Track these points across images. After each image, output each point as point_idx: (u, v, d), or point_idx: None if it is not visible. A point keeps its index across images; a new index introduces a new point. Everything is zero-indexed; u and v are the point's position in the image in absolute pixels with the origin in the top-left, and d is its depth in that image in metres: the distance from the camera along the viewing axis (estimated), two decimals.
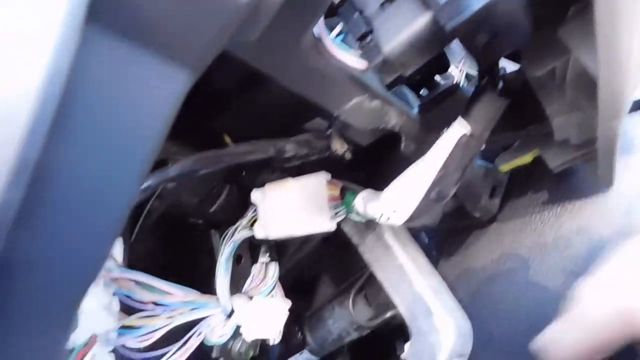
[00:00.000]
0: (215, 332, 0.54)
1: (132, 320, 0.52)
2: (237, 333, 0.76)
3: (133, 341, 0.51)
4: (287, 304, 0.61)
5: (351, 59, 0.35)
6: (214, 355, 0.78)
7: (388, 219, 0.45)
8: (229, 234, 0.60)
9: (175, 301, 0.52)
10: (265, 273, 0.62)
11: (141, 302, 0.52)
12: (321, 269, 0.91)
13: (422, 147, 0.45)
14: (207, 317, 0.55)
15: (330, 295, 0.92)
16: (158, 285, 0.52)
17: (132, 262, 0.58)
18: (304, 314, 0.91)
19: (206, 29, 0.21)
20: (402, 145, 0.46)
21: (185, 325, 0.54)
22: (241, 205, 0.65)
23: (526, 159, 0.56)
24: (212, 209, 0.70)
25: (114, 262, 0.53)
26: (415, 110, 0.48)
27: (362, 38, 0.35)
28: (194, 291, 0.54)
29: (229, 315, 0.56)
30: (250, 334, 0.57)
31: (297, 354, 0.90)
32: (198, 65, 0.23)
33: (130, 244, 0.60)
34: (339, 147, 0.46)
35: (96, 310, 0.52)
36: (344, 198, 0.56)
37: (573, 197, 0.58)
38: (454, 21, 0.30)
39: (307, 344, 0.89)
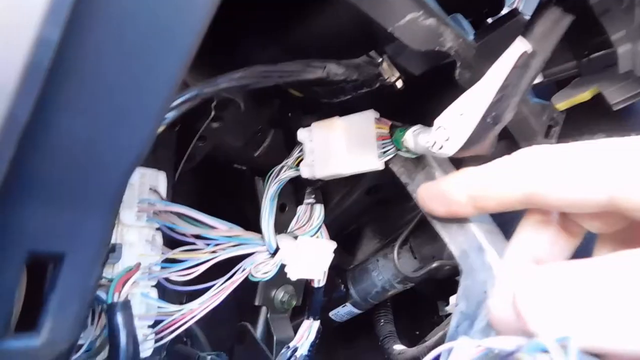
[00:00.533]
0: (260, 269, 0.54)
1: (175, 253, 0.52)
2: (280, 281, 0.77)
3: (176, 274, 0.51)
4: (333, 244, 0.60)
5: None
6: (256, 302, 0.78)
7: (441, 147, 0.43)
8: (274, 173, 0.59)
9: (219, 235, 0.52)
10: (311, 214, 0.61)
11: (184, 235, 0.52)
12: (365, 223, 0.89)
13: (477, 75, 0.43)
14: (251, 254, 0.55)
15: (374, 249, 0.91)
16: (202, 218, 0.52)
17: (176, 201, 0.58)
18: (347, 267, 0.91)
19: None
20: (457, 72, 0.44)
21: (230, 262, 0.54)
22: (286, 150, 0.64)
23: (585, 96, 0.52)
24: (257, 154, 0.69)
25: (158, 195, 0.54)
26: (472, 36, 0.45)
27: None
28: (239, 227, 0.54)
29: (274, 254, 0.55)
30: (294, 273, 0.56)
31: (340, 307, 0.90)
32: None
33: (174, 185, 0.60)
34: (390, 74, 0.44)
35: (139, 243, 0.53)
36: (392, 136, 0.54)
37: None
38: None
39: (349, 297, 0.89)
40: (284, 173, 0.60)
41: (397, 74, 0.45)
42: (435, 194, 0.44)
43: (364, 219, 0.89)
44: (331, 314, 0.91)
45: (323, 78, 0.41)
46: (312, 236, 0.59)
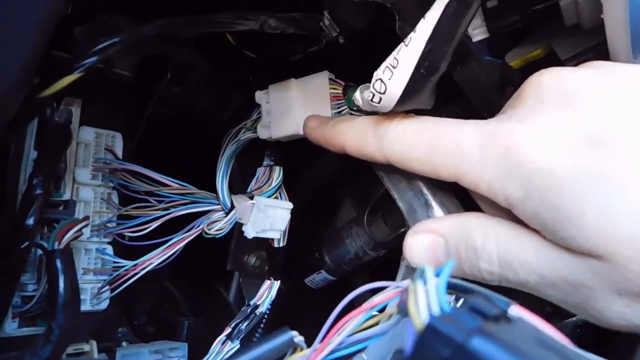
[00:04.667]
0: (213, 226, 0.55)
1: (128, 210, 0.53)
2: (253, 246, 0.78)
3: (129, 230, 0.52)
4: (289, 205, 0.60)
5: None
6: (228, 267, 0.79)
7: (380, 100, 0.43)
8: (232, 134, 0.60)
9: (171, 192, 0.53)
10: (270, 176, 0.61)
11: (139, 193, 0.53)
12: (339, 190, 0.90)
13: None
14: (207, 212, 0.55)
15: (349, 216, 0.92)
16: (154, 176, 0.53)
17: (140, 160, 0.59)
18: (321, 234, 0.91)
19: None
20: (397, 25, 0.44)
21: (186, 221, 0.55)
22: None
23: (537, 53, 0.52)
24: (226, 118, 0.70)
25: (112, 155, 0.54)
26: None
27: None
28: (192, 186, 0.55)
29: (228, 212, 0.56)
30: (250, 232, 0.57)
31: (315, 274, 0.91)
32: None
33: (136, 147, 0.61)
34: (331, 29, 0.44)
35: (94, 201, 0.54)
36: (345, 95, 0.54)
37: None
38: None
39: (324, 264, 0.89)
40: (243, 135, 0.60)
41: (338, 30, 0.45)
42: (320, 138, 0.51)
43: (339, 186, 0.90)
44: (307, 280, 0.91)
45: (257, 30, 0.41)
46: (271, 196, 0.60)
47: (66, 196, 0.52)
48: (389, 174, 0.53)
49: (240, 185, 0.62)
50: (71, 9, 0.37)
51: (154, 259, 0.51)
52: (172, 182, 0.53)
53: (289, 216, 0.60)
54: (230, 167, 0.58)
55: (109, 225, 0.53)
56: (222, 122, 0.69)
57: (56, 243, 0.41)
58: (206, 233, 0.54)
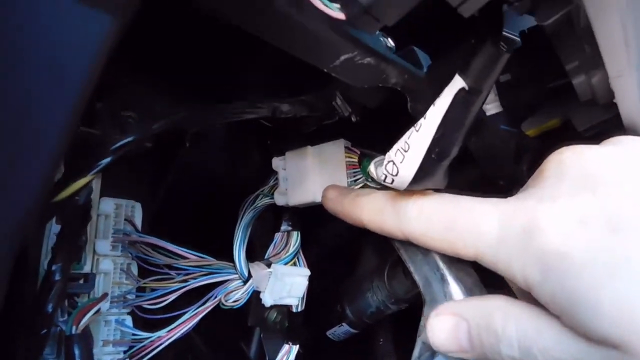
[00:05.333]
0: (230, 297, 0.55)
1: (147, 282, 0.53)
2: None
3: (148, 303, 0.53)
4: (306, 272, 0.60)
5: (330, 10, 0.34)
6: (249, 323, 0.79)
7: (392, 182, 0.43)
8: (249, 201, 0.61)
9: (189, 265, 0.53)
10: (287, 241, 0.61)
11: (157, 266, 0.54)
12: (360, 240, 0.89)
13: (429, 107, 0.43)
14: (223, 282, 0.56)
15: (371, 268, 0.91)
16: (172, 249, 0.53)
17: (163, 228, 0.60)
18: (343, 286, 0.91)
19: None
20: (409, 105, 0.44)
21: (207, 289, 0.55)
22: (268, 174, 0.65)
23: (554, 122, 0.52)
24: (245, 177, 0.70)
25: (132, 226, 0.55)
26: (424, 70, 0.45)
27: None
28: (210, 257, 0.55)
29: (245, 282, 0.56)
30: (268, 300, 0.57)
31: (336, 327, 0.90)
32: (121, 11, 0.22)
33: (157, 212, 0.62)
34: (343, 109, 0.45)
35: (114, 272, 0.55)
36: (361, 165, 0.54)
37: None
38: None
39: (345, 317, 0.88)
40: (260, 201, 0.61)
41: (349, 109, 0.45)
42: (339, 210, 0.51)
43: (361, 235, 0.89)
44: (328, 333, 0.91)
45: (270, 116, 0.42)
46: (287, 263, 0.60)
47: (87, 268, 0.53)
48: (405, 246, 0.52)
49: (258, 250, 0.62)
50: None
51: (172, 333, 0.51)
52: (190, 254, 0.54)
53: (306, 283, 0.60)
54: (247, 235, 0.58)
55: (128, 297, 0.54)
56: (241, 186, 0.70)
57: (74, 327, 0.42)
58: (223, 304, 0.54)
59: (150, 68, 0.53)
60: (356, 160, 0.55)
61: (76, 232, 0.45)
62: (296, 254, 0.61)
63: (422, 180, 0.42)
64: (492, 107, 0.48)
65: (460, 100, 0.37)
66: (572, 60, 0.43)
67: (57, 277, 0.42)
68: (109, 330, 0.54)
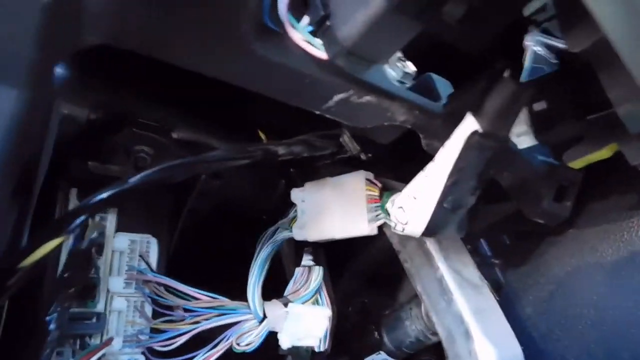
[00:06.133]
0: (243, 340, 0.52)
1: (157, 323, 0.52)
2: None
3: (158, 345, 0.51)
4: (327, 311, 0.56)
5: (313, 48, 0.30)
6: (280, 351, 0.77)
7: (403, 230, 0.39)
8: (267, 235, 0.57)
9: (201, 306, 0.51)
10: (308, 277, 0.58)
11: (169, 307, 0.52)
12: (399, 266, 0.84)
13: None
14: (237, 322, 0.53)
15: (410, 295, 0.86)
16: (184, 289, 0.51)
17: (176, 263, 0.58)
18: (382, 312, 0.86)
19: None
20: (423, 143, 0.39)
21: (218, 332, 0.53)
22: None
23: (603, 153, 0.45)
24: (270, 203, 0.67)
25: (146, 264, 0.54)
26: (443, 101, 0.40)
27: (320, 23, 0.29)
28: (223, 297, 0.53)
29: (261, 322, 0.53)
30: (285, 342, 0.54)
31: (374, 354, 0.86)
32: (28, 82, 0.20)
33: (174, 246, 0.60)
34: (351, 147, 0.41)
35: (127, 311, 0.53)
36: (381, 200, 0.50)
37: None
38: None
39: (383, 345, 0.84)
40: (279, 234, 0.57)
41: (358, 148, 0.41)
42: None
43: (399, 261, 0.84)
44: None
45: (263, 160, 0.39)
46: (308, 300, 0.56)
47: (100, 306, 0.52)
48: (427, 292, 0.48)
49: (276, 286, 0.59)
50: None
51: None
52: (202, 294, 0.51)
53: (327, 322, 0.56)
54: (264, 271, 0.55)
55: (141, 337, 0.52)
56: (262, 217, 0.67)
57: None
58: (236, 347, 0.52)
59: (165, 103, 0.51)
60: (377, 193, 0.50)
61: (77, 278, 0.44)
62: (317, 290, 0.57)
63: (435, 231, 0.38)
64: (524, 140, 0.42)
65: (474, 145, 0.33)
66: (615, 88, 0.36)
67: (52, 326, 0.40)
68: None
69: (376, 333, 0.85)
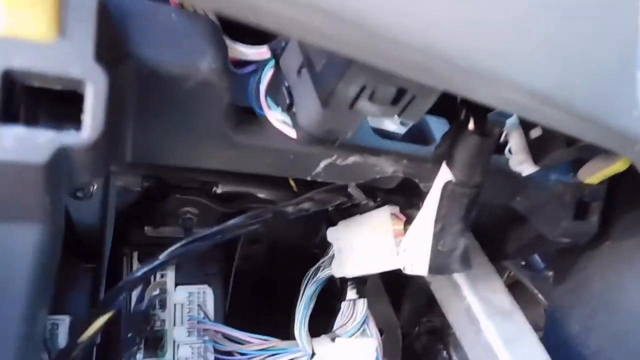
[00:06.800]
0: None
1: None
2: None
3: None
4: (374, 343, 0.59)
5: (286, 128, 0.33)
6: None
7: (411, 271, 0.41)
8: (311, 274, 0.61)
9: (253, 349, 0.56)
10: (354, 310, 0.61)
11: (227, 352, 0.57)
12: None
13: None
14: None
15: None
16: (237, 335, 0.56)
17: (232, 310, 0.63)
18: (449, 331, 0.86)
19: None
20: (421, 186, 0.41)
21: None
22: None
23: (618, 167, 0.44)
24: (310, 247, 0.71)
25: (203, 313, 0.59)
26: (435, 142, 0.42)
27: (288, 108, 0.32)
28: (273, 338, 0.57)
29: (311, 358, 0.56)
30: None
31: None
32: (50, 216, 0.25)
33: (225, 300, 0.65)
34: (360, 197, 0.44)
35: (192, 357, 0.59)
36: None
37: None
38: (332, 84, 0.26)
39: None
40: (322, 273, 0.61)
41: (364, 196, 0.44)
42: None
43: None
44: None
45: (274, 220, 0.43)
46: (356, 332, 0.59)
47: (168, 355, 0.58)
48: (456, 322, 0.49)
49: (326, 323, 0.62)
50: None
51: None
52: (254, 338, 0.56)
53: (375, 353, 0.59)
54: (310, 309, 0.59)
55: None
56: (308, 257, 0.70)
57: None
58: None
59: None
60: (402, 228, 0.52)
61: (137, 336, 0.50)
62: (364, 322, 0.60)
63: (439, 271, 0.40)
64: (525, 168, 0.43)
65: (450, 193, 0.34)
66: None
67: None
68: None
69: (445, 352, 0.85)
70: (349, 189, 0.44)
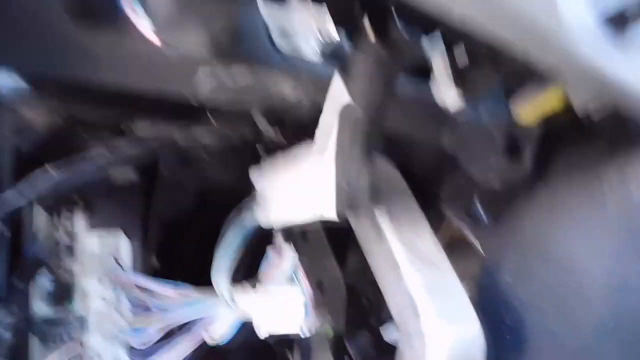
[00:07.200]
0: (214, 332, 0.52)
1: (131, 321, 0.53)
2: None
3: (134, 341, 0.52)
4: (298, 292, 0.55)
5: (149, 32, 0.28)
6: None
7: (321, 214, 0.37)
8: (232, 215, 0.56)
9: (170, 301, 0.52)
10: (281, 257, 0.56)
11: (142, 305, 0.53)
12: None
13: None
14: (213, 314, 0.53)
15: None
16: (151, 286, 0.52)
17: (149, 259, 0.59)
18: None
19: None
20: None
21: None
22: None
23: (554, 104, 0.40)
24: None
25: (117, 263, 0.55)
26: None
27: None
28: (192, 289, 0.53)
29: (233, 312, 0.53)
30: (262, 330, 0.53)
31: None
32: None
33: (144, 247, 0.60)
34: (265, 128, 0.39)
35: (106, 311, 0.55)
36: None
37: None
38: None
39: None
40: (247, 219, 0.56)
41: (270, 128, 0.39)
42: None
43: None
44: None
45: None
46: (282, 280, 0.55)
47: (77, 307, 0.54)
48: (378, 268, 0.45)
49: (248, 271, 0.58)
50: None
51: None
52: (169, 289, 0.52)
53: (304, 306, 0.55)
54: (233, 255, 0.54)
55: (119, 335, 0.54)
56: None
57: None
58: (210, 341, 0.52)
59: None
60: None
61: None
62: (292, 269, 0.56)
63: (346, 208, 0.36)
64: (450, 98, 0.38)
65: (348, 118, 0.30)
66: None
67: None
68: None
69: None
70: (255, 119, 0.40)
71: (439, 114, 0.40)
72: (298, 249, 0.57)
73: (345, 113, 0.29)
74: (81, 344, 0.53)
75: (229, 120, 0.39)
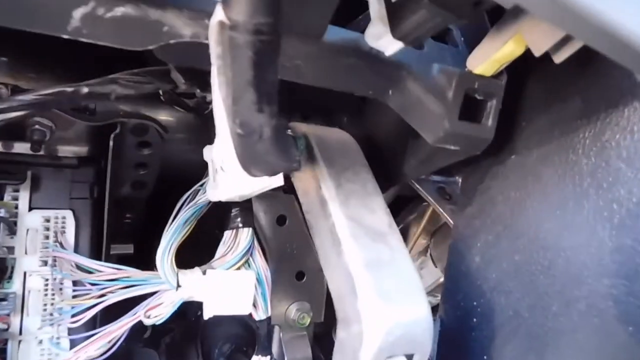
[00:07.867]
0: (153, 311, 0.48)
1: (65, 300, 0.49)
2: (293, 296, 0.69)
3: (69, 321, 0.48)
4: (251, 275, 0.50)
5: None
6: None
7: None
8: (187, 197, 0.52)
9: (103, 279, 0.48)
10: (236, 240, 0.52)
11: (80, 283, 0.49)
12: None
13: None
14: (154, 293, 0.49)
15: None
16: (87, 263, 0.48)
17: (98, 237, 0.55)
18: None
19: None
20: None
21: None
22: None
23: (514, 50, 0.34)
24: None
25: (58, 241, 0.52)
26: None
27: None
28: (131, 269, 0.49)
29: (176, 292, 0.48)
30: (208, 311, 0.49)
31: None
32: None
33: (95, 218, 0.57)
34: (177, 79, 0.35)
35: (45, 290, 0.51)
36: None
37: (618, 104, 0.34)
38: None
39: None
40: (200, 197, 0.52)
41: (183, 81, 0.35)
42: None
43: None
44: None
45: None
46: (236, 264, 0.51)
47: (15, 286, 0.51)
48: (321, 244, 0.40)
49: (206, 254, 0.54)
50: None
51: (78, 354, 0.46)
52: (106, 267, 0.48)
53: (253, 287, 0.50)
54: (179, 235, 0.50)
55: (56, 315, 0.50)
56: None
57: None
58: (145, 320, 0.48)
59: None
60: None
61: None
62: (246, 253, 0.52)
63: (255, 164, 0.31)
64: (386, 43, 0.33)
65: (229, 43, 0.25)
66: None
67: None
68: (43, 350, 0.51)
69: None
70: (171, 73, 0.35)
71: (379, 66, 0.35)
72: (273, 234, 0.53)
73: (224, 37, 0.24)
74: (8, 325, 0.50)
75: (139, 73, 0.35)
